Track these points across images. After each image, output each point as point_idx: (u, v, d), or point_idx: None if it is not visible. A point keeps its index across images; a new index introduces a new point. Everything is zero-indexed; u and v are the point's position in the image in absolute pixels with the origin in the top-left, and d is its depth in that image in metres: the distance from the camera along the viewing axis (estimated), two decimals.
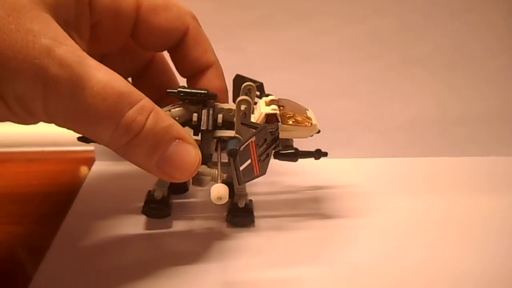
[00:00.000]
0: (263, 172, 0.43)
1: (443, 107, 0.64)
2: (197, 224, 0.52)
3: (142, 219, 0.53)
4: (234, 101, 0.48)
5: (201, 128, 0.47)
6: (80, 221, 0.52)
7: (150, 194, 0.52)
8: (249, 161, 0.41)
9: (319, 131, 0.49)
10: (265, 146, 0.43)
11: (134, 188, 0.58)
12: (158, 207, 0.52)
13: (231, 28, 0.60)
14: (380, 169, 0.64)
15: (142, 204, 0.54)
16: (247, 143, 0.40)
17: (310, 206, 0.55)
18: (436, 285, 0.44)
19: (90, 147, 0.65)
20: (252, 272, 0.45)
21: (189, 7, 0.58)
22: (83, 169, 0.63)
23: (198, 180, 0.48)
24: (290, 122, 0.46)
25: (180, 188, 0.57)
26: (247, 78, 0.51)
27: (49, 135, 0.67)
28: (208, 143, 0.47)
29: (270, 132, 0.44)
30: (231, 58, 0.61)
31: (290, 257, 0.47)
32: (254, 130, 0.42)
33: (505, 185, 0.60)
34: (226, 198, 0.42)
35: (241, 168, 0.41)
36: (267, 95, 0.49)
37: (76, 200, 0.56)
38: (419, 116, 0.65)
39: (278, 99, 0.48)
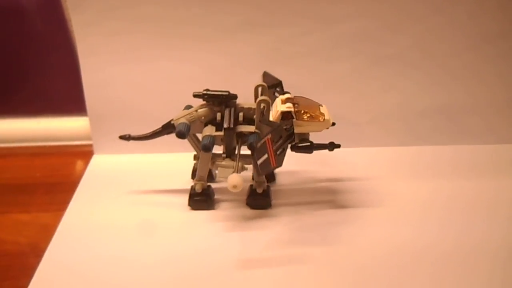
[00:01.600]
0: (279, 164, 0.48)
1: (413, 100, 0.70)
2: (221, 206, 0.58)
3: (139, 205, 0.58)
4: (262, 94, 0.54)
5: (224, 126, 0.53)
6: (81, 209, 0.58)
7: (192, 188, 0.58)
8: (266, 155, 0.47)
9: (334, 124, 0.53)
10: (281, 141, 0.48)
11: (130, 179, 0.64)
12: (201, 199, 0.57)
13: (218, 31, 0.65)
14: (358, 158, 0.69)
15: (138, 191, 0.60)
16: (263, 140, 0.46)
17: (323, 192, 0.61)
18: (450, 260, 0.49)
19: (89, 141, 0.70)
20: (269, 250, 0.51)
21: (178, 13, 0.63)
22: (83, 162, 0.67)
23: (222, 171, 0.54)
24: (304, 118, 0.51)
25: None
26: (271, 75, 0.57)
27: (50, 130, 0.72)
28: (231, 139, 0.54)
29: (285, 129, 0.49)
30: (219, 59, 0.67)
31: (303, 237, 0.52)
32: (270, 129, 0.48)
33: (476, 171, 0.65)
34: (240, 187, 0.47)
35: (259, 162, 0.46)
36: (284, 93, 0.54)
37: (77, 190, 0.61)
38: (395, 109, 0.70)
39: (294, 97, 0.53)
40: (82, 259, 0.50)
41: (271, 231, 0.54)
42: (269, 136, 0.46)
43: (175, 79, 0.67)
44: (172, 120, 0.56)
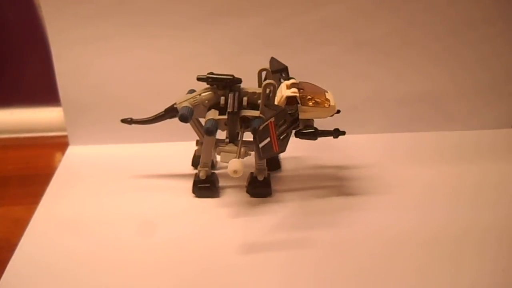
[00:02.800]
0: (282, 149, 0.47)
1: (391, 87, 0.70)
2: (225, 193, 0.57)
3: (115, 197, 0.57)
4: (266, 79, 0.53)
5: (228, 110, 0.52)
6: (55, 201, 0.56)
7: (196, 175, 0.57)
8: (268, 139, 0.45)
9: (339, 111, 0.52)
10: (285, 126, 0.47)
11: (106, 170, 0.62)
12: (205, 186, 0.56)
13: (197, 17, 0.63)
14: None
15: (114, 183, 0.59)
16: (266, 123, 0.45)
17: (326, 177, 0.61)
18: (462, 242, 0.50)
19: (63, 132, 0.68)
20: (273, 235, 0.51)
21: (154, 0, 0.62)
22: (58, 153, 0.66)
23: (225, 156, 0.53)
24: (310, 104, 0.49)
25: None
26: (277, 60, 0.55)
27: (23, 121, 0.70)
28: (235, 123, 0.53)
29: (289, 113, 0.48)
30: (198, 44, 0.66)
31: (307, 222, 0.52)
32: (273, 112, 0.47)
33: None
34: (241, 172, 0.46)
35: (261, 145, 0.45)
36: (290, 78, 0.53)
37: (51, 182, 0.59)
38: (366, 96, 0.70)
39: (299, 82, 0.51)
40: (55, 253, 0.48)
41: (275, 217, 0.53)
42: (272, 120, 0.45)
43: (150, 68, 0.66)
44: (175, 104, 0.55)
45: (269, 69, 0.53)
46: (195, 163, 0.61)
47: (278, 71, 0.54)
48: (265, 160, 0.55)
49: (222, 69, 0.66)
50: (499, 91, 0.70)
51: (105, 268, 0.46)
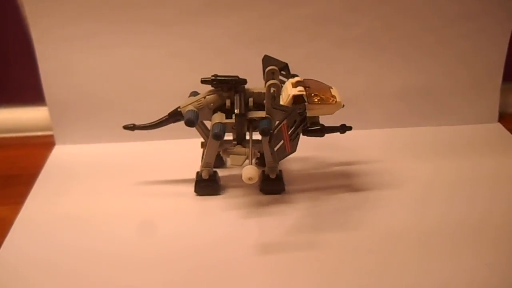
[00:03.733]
0: (293, 149, 0.47)
1: (380, 82, 0.70)
2: (231, 193, 0.57)
3: (101, 196, 0.57)
4: (264, 79, 0.52)
5: (235, 112, 0.51)
6: (40, 201, 0.56)
7: (198, 174, 0.56)
8: (281, 142, 0.45)
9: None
10: (294, 126, 0.47)
11: (92, 169, 0.62)
12: (207, 185, 0.56)
13: (184, 13, 0.63)
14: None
15: (100, 182, 0.59)
16: (279, 127, 0.45)
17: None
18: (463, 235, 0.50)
19: (49, 132, 0.68)
20: (285, 235, 0.50)
21: None
22: (44, 153, 0.65)
23: (234, 159, 0.52)
24: (316, 101, 0.49)
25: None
26: (274, 58, 0.54)
27: (9, 121, 0.70)
28: (242, 125, 0.52)
29: (298, 113, 0.48)
30: (183, 43, 0.65)
31: (319, 222, 0.52)
32: (284, 113, 0.47)
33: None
34: (256, 179, 0.46)
35: (275, 148, 0.45)
36: (293, 76, 0.52)
37: (37, 182, 0.59)
38: (359, 91, 0.70)
39: (304, 79, 0.51)
40: (39, 252, 0.48)
41: (286, 217, 0.53)
42: (285, 122, 0.45)
43: (137, 65, 0.66)
44: (179, 107, 0.54)
45: (276, 69, 0.51)
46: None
47: (279, 69, 0.53)
48: (277, 162, 0.55)
49: (211, 65, 0.65)
50: (484, 86, 0.71)
51: (90, 267, 0.46)
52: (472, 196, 0.56)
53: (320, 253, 0.48)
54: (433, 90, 0.70)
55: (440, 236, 0.50)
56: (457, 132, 0.70)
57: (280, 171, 0.57)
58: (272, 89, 0.50)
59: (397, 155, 0.65)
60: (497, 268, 0.46)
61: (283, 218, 0.53)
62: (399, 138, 0.69)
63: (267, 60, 0.54)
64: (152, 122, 0.56)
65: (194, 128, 0.59)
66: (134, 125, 0.56)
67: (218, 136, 0.51)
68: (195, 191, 0.56)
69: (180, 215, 0.54)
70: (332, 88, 0.51)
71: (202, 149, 0.59)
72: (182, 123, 0.53)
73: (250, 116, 0.52)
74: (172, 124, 0.56)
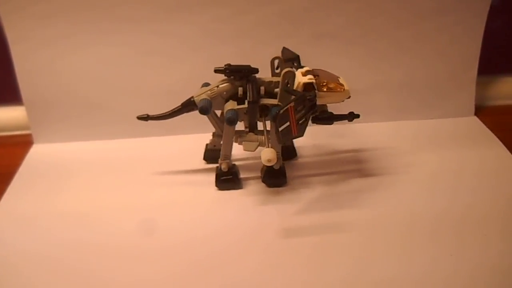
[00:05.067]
0: (300, 134, 0.48)
1: (356, 77, 0.69)
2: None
3: (78, 195, 0.57)
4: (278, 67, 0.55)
5: (248, 100, 0.53)
6: (16, 199, 0.57)
7: (217, 168, 0.58)
8: (287, 123, 0.47)
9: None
10: (303, 111, 0.48)
11: (69, 167, 0.63)
12: (228, 178, 0.57)
13: (156, 12, 0.63)
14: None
15: (77, 180, 0.60)
16: (286, 107, 0.46)
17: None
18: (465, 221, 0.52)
19: (27, 131, 0.69)
20: (298, 220, 0.53)
21: None
22: (21, 152, 0.66)
23: (247, 145, 0.55)
24: (325, 89, 0.51)
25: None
26: (289, 50, 0.56)
27: None
28: (255, 112, 0.54)
29: (308, 99, 0.49)
30: (156, 40, 0.66)
31: (331, 206, 0.55)
32: (294, 97, 0.48)
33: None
34: (274, 161, 0.49)
35: (281, 128, 0.46)
36: (302, 67, 0.53)
37: (13, 181, 0.60)
38: None
39: (313, 69, 0.52)
40: (13, 251, 0.49)
41: (299, 203, 0.55)
42: (292, 104, 0.47)
43: (112, 63, 0.66)
44: (192, 97, 0.55)
45: (281, 57, 0.54)
46: (206, 157, 0.62)
47: (290, 60, 0.55)
48: (279, 148, 0.56)
49: (187, 62, 0.66)
50: (460, 80, 0.71)
51: (65, 266, 0.47)
52: (445, 189, 0.57)
53: (341, 235, 0.51)
54: (408, 85, 0.71)
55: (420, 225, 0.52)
56: (434, 126, 0.70)
57: (283, 163, 0.58)
58: (287, 78, 0.52)
59: (372, 149, 0.65)
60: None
61: (300, 205, 0.55)
62: (375, 133, 0.69)
63: (284, 51, 0.56)
64: (166, 113, 0.57)
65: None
66: (147, 115, 0.57)
67: (232, 121, 0.53)
68: (216, 185, 0.58)
69: (165, 209, 0.55)
70: (339, 78, 0.53)
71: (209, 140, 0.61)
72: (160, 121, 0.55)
73: (263, 102, 0.54)
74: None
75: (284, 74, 0.52)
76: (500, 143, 0.65)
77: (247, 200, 0.56)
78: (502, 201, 0.55)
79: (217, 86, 0.55)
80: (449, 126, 0.70)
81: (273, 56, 0.56)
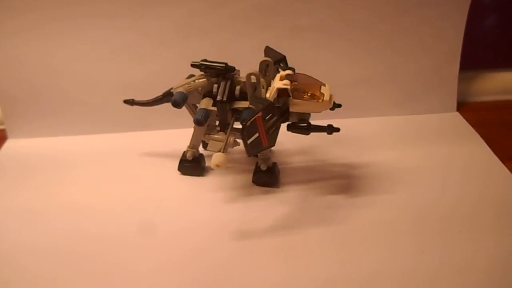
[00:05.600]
0: (271, 144, 0.46)
1: (337, 72, 0.68)
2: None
3: (54, 187, 0.57)
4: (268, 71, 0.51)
5: (217, 99, 0.51)
6: None
7: (184, 154, 0.57)
8: (256, 134, 0.44)
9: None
10: (274, 119, 0.46)
11: (44, 162, 0.62)
12: (190, 166, 0.57)
13: (129, 6, 0.62)
14: None
15: (53, 175, 0.59)
16: (253, 118, 0.44)
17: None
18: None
19: (1, 126, 0.68)
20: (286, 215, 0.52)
21: None
22: None
23: (212, 144, 0.53)
24: (301, 97, 0.48)
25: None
26: (274, 50, 0.53)
27: None
28: (225, 113, 0.52)
29: (277, 106, 0.47)
30: (130, 35, 0.64)
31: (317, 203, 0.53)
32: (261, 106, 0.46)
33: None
34: (223, 166, 0.46)
35: (249, 141, 0.44)
36: (288, 68, 0.51)
37: None
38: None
39: (295, 74, 0.50)
40: None
41: (289, 203, 0.54)
42: (259, 114, 0.44)
43: (86, 58, 0.65)
44: (172, 88, 0.55)
45: (271, 61, 0.51)
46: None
47: (276, 61, 0.52)
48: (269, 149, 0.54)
49: (159, 57, 0.65)
50: (442, 75, 0.70)
51: (41, 260, 0.47)
52: (424, 185, 0.56)
53: (322, 232, 0.49)
54: (389, 80, 0.69)
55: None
56: (415, 121, 0.69)
57: (275, 163, 0.56)
58: (252, 78, 0.49)
59: (351, 145, 0.64)
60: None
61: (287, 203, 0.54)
62: (355, 129, 0.67)
63: (268, 51, 0.53)
64: (149, 100, 0.58)
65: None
66: (133, 100, 0.58)
67: (199, 122, 0.51)
68: (179, 169, 0.58)
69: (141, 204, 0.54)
70: (323, 86, 0.50)
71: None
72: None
73: (235, 105, 0.52)
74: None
75: (246, 76, 0.49)
76: (481, 139, 0.64)
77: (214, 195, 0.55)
78: (481, 197, 0.54)
79: (194, 81, 0.54)
80: (431, 122, 0.69)
81: (259, 55, 0.53)
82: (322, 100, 0.48)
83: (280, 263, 0.46)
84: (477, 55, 0.73)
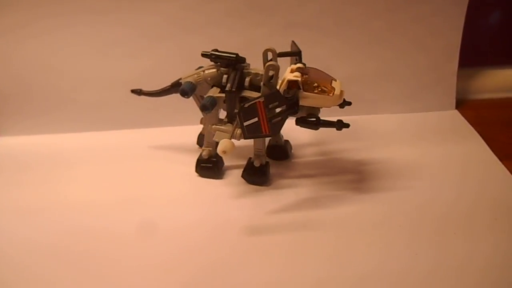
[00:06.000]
0: (273, 132, 0.46)
1: (329, 69, 0.67)
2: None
3: (45, 185, 0.56)
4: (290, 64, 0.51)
5: (226, 89, 0.50)
6: None
7: (200, 154, 0.56)
8: (255, 119, 0.44)
9: (350, 103, 0.51)
10: (280, 109, 0.45)
11: (34, 159, 0.61)
12: (207, 166, 0.55)
13: (120, 1, 0.61)
14: None
15: (44, 172, 0.59)
16: (253, 101, 0.43)
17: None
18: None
19: None
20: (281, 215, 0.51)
21: None
22: None
23: (218, 135, 0.51)
24: (311, 90, 0.47)
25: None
26: (296, 45, 0.53)
27: None
28: (233, 102, 0.51)
29: (287, 97, 0.46)
30: (121, 30, 0.63)
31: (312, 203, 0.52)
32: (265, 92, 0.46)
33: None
34: (230, 153, 0.45)
35: (246, 123, 0.44)
36: (304, 64, 0.50)
37: None
38: None
39: (306, 67, 0.49)
40: None
41: (281, 201, 0.53)
42: (261, 99, 0.44)
43: (74, 55, 0.64)
44: (180, 78, 0.54)
45: (274, 50, 0.50)
46: (199, 142, 0.61)
47: (288, 54, 0.52)
48: (263, 146, 0.53)
49: (152, 53, 0.64)
50: (440, 72, 0.68)
51: (34, 258, 0.46)
52: (422, 184, 0.55)
53: (317, 233, 0.48)
54: (386, 77, 0.68)
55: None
56: (413, 119, 0.68)
57: (267, 162, 0.55)
58: (270, 72, 0.48)
59: (349, 143, 0.63)
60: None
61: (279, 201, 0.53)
62: (353, 127, 0.65)
63: (292, 46, 0.53)
64: (157, 90, 0.57)
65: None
66: (140, 90, 0.58)
67: (205, 108, 0.50)
68: (196, 171, 0.56)
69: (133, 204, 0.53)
70: (334, 81, 0.49)
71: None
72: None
73: (243, 94, 0.51)
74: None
75: (266, 68, 0.48)
76: (480, 137, 0.63)
77: (224, 191, 0.54)
78: (479, 196, 0.52)
79: (204, 71, 0.53)
80: (429, 120, 0.67)
81: (263, 48, 0.52)
82: (333, 94, 0.47)
83: (275, 261, 0.45)
84: (477, 51, 0.71)
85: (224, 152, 0.45)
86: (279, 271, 0.44)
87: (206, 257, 0.46)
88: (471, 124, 0.66)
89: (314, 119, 0.48)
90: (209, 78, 0.53)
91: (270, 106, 0.45)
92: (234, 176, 0.56)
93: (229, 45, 0.63)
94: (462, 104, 0.70)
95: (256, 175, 0.54)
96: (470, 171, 0.57)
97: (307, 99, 0.47)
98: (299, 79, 0.47)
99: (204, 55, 0.52)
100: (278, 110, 0.45)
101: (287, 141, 0.60)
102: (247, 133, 0.45)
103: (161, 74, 0.58)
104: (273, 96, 0.45)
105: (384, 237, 0.47)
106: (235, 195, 0.54)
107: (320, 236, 0.48)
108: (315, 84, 0.47)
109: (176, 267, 0.45)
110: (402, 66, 0.68)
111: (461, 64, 0.68)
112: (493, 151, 0.60)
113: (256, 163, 0.54)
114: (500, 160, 0.58)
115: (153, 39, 0.64)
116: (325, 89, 0.47)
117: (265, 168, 0.55)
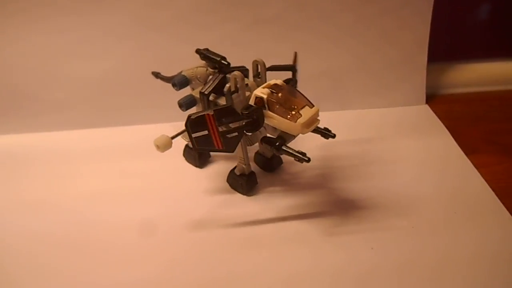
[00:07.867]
0: (228, 149, 0.43)
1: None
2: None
3: (36, 182, 0.56)
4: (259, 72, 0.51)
5: (200, 90, 0.50)
6: None
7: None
8: (205, 132, 0.42)
9: (334, 136, 0.49)
10: (236, 124, 0.43)
11: (16, 158, 0.61)
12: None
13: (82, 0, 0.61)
14: None
15: (36, 170, 0.58)
16: (201, 114, 0.41)
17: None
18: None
19: None
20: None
21: None
22: None
23: (185, 135, 0.49)
24: (275, 111, 0.44)
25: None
26: (295, 59, 0.52)
27: None
28: (205, 106, 0.51)
29: (245, 114, 0.43)
30: (84, 30, 0.62)
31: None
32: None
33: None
34: (162, 150, 0.43)
35: (195, 135, 0.42)
36: (289, 80, 0.49)
37: None
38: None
39: (284, 86, 0.46)
40: None
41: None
42: (210, 112, 0.41)
43: (47, 53, 0.63)
44: (182, 71, 0.54)
45: (262, 62, 0.50)
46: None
47: (284, 68, 0.51)
48: (245, 156, 0.51)
49: (117, 50, 0.63)
50: (409, 66, 0.67)
51: (35, 248, 0.47)
52: (389, 178, 0.55)
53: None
54: (355, 72, 0.67)
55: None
56: (383, 114, 0.67)
57: (252, 172, 0.53)
58: (234, 79, 0.47)
59: (318, 139, 0.62)
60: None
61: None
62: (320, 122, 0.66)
63: (294, 57, 0.52)
64: (168, 77, 0.57)
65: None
66: (158, 73, 0.59)
67: (179, 105, 0.51)
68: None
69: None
70: (310, 107, 0.45)
71: None
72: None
73: (214, 99, 0.50)
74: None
75: (232, 77, 0.48)
76: (448, 132, 0.62)
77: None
78: (440, 190, 0.52)
79: (196, 68, 0.53)
80: (398, 115, 0.67)
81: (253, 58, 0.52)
82: (296, 121, 0.43)
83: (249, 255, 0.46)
84: (448, 45, 0.71)
85: (158, 147, 0.44)
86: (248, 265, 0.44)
87: (210, 252, 0.46)
88: (440, 118, 0.65)
89: (277, 142, 0.44)
90: (199, 76, 0.53)
91: (224, 120, 0.42)
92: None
93: (196, 42, 0.63)
94: (433, 99, 0.69)
95: (237, 183, 0.53)
96: (434, 166, 0.56)
97: (271, 119, 0.44)
98: (265, 96, 0.44)
99: (197, 51, 0.52)
100: (233, 125, 0.43)
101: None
102: (196, 145, 0.43)
103: (128, 73, 0.57)
104: (224, 110, 0.43)
105: (343, 234, 0.47)
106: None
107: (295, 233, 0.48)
108: (277, 106, 0.44)
109: (182, 260, 0.46)
110: (370, 61, 0.67)
111: (432, 58, 0.67)
112: (460, 145, 0.59)
113: (237, 171, 0.53)
114: (466, 154, 0.57)
115: (119, 37, 0.63)
116: (289, 113, 0.44)
117: (246, 178, 0.53)
